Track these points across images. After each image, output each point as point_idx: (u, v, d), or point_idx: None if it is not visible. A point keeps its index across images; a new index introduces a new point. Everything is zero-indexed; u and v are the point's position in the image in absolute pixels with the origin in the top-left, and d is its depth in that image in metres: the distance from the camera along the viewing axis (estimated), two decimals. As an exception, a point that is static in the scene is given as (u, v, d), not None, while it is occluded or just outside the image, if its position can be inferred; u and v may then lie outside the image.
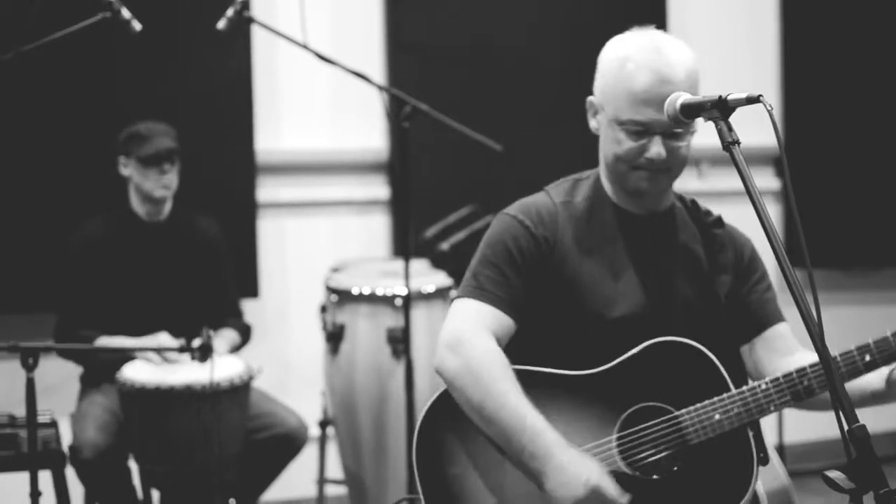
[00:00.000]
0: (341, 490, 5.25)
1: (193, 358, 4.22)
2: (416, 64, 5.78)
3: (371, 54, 5.76)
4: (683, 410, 2.76)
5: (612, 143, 2.89)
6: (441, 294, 4.83)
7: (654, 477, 2.76)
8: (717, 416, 2.73)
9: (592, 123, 2.98)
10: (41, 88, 5.15)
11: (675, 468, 2.76)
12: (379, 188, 5.85)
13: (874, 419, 2.85)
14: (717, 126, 2.56)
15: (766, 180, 6.42)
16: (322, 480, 5.17)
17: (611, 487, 2.69)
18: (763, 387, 2.73)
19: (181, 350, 4.27)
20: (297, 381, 5.58)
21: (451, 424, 2.85)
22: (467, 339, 2.82)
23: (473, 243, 4.67)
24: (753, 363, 3.00)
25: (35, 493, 3.87)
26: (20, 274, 5.15)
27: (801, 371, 2.72)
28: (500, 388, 2.75)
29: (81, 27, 4.24)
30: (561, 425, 2.75)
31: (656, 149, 2.82)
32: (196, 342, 4.20)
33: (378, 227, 5.85)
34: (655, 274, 2.94)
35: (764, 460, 2.78)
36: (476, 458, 2.83)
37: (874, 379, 2.79)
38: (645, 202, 2.97)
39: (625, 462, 2.77)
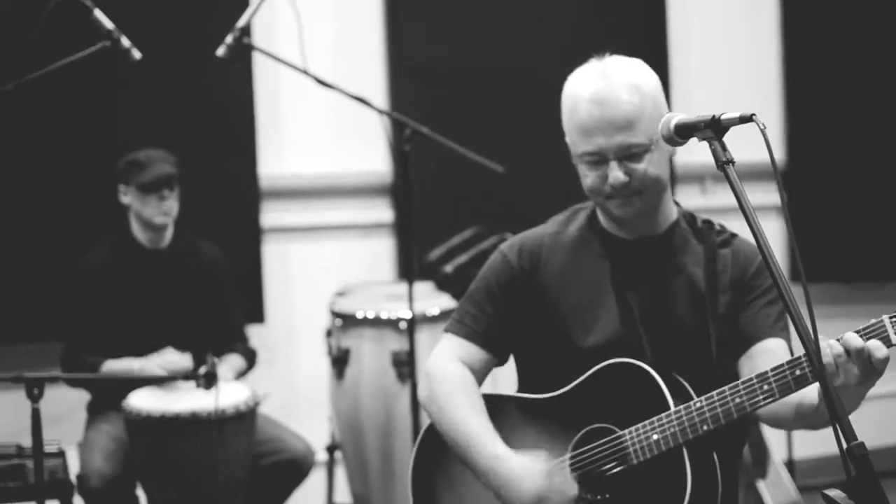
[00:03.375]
0: (349, 515, 5.25)
1: (199, 385, 4.22)
2: (418, 87, 5.79)
3: (372, 78, 5.78)
4: (626, 431, 2.80)
5: (582, 179, 2.93)
6: (445, 316, 4.80)
7: (601, 497, 2.82)
8: (654, 437, 2.75)
9: (573, 161, 3.00)
10: (42, 118, 5.17)
11: (620, 488, 2.81)
12: (382, 211, 5.85)
13: (875, 434, 2.85)
14: (710, 146, 2.57)
15: (772, 196, 6.41)
16: (331, 506, 5.17)
17: (563, 488, 2.79)
18: (698, 405, 2.72)
19: (186, 377, 4.27)
20: (304, 405, 5.58)
21: (438, 454, 3.03)
22: (435, 368, 3.03)
23: (477, 265, 4.67)
24: None
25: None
26: (24, 304, 5.16)
27: (734, 388, 2.69)
28: (453, 406, 2.94)
29: (82, 56, 4.27)
30: (524, 447, 2.87)
31: (614, 174, 2.84)
32: (201, 369, 4.20)
33: (382, 250, 5.86)
34: (644, 299, 2.95)
35: (760, 463, 2.79)
36: (459, 486, 2.99)
37: (804, 393, 2.70)
38: (632, 229, 2.98)
39: (577, 482, 2.84)
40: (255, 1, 4.56)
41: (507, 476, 2.81)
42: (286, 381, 5.63)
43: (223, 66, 4.71)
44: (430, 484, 3.03)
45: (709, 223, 3.07)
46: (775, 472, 4.75)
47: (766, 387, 2.64)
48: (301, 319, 5.72)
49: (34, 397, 3.85)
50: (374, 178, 5.84)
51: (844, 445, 2.20)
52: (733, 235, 3.05)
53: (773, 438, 4.82)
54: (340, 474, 5.24)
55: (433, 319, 4.75)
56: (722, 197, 6.08)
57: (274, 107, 5.69)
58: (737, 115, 2.57)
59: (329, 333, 5.04)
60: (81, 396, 4.95)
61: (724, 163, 2.55)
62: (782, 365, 2.65)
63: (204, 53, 4.71)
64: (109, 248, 4.87)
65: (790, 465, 5.77)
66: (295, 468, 4.70)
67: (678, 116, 2.67)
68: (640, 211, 2.92)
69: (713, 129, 2.58)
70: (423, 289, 5.04)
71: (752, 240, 2.51)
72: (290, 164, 5.75)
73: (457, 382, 2.97)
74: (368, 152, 5.83)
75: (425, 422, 4.39)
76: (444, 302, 4.87)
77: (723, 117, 2.57)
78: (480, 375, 3.04)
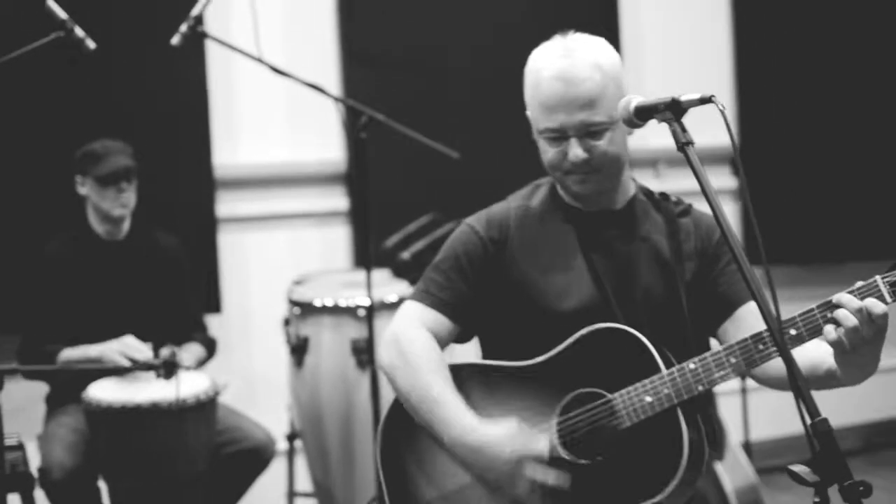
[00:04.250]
0: (311, 503, 5.24)
1: (159, 375, 4.22)
2: (371, 74, 5.80)
3: (326, 66, 5.78)
4: (616, 394, 2.80)
5: (542, 154, 2.98)
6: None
7: (593, 461, 2.81)
8: (647, 399, 2.76)
9: (534, 136, 3.04)
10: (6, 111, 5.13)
11: (611, 451, 2.80)
12: (338, 199, 5.85)
13: (838, 413, 2.89)
14: (670, 127, 2.61)
15: (723, 179, 6.47)
16: (292, 493, 5.17)
17: (533, 448, 2.77)
18: (692, 366, 2.74)
19: (147, 367, 4.26)
20: (263, 395, 5.58)
21: (406, 429, 2.96)
22: (402, 333, 2.99)
23: (434, 251, 4.68)
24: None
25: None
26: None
27: (729, 348, 2.72)
28: (421, 375, 2.89)
29: (35, 47, 4.24)
30: (505, 415, 2.84)
31: (574, 151, 2.89)
32: (161, 358, 4.20)
33: (338, 238, 5.86)
34: (612, 268, 2.98)
35: (717, 446, 2.80)
36: (428, 459, 2.93)
37: (824, 357, 2.74)
38: (591, 204, 3.02)
39: (564, 448, 2.82)
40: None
41: (478, 445, 2.78)
42: (243, 370, 5.62)
43: (176, 55, 4.69)
44: (399, 460, 2.97)
45: (664, 195, 3.12)
46: (732, 454, 4.82)
47: (760, 346, 2.69)
48: (257, 309, 5.72)
49: (-7, 388, 3.84)
50: (329, 166, 5.84)
51: (808, 421, 2.23)
52: (690, 206, 3.10)
53: (730, 420, 4.89)
54: (300, 463, 5.24)
55: (391, 306, 4.76)
56: (675, 181, 6.13)
57: (228, 96, 5.68)
58: (696, 96, 2.61)
59: (287, 322, 5.05)
60: (39, 389, 4.94)
61: (684, 144, 2.58)
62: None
63: (157, 42, 4.69)
64: (67, 240, 4.84)
65: (747, 446, 5.83)
66: (256, 457, 4.69)
67: (637, 99, 2.71)
68: (597, 189, 2.96)
69: (672, 111, 2.63)
70: (381, 276, 5.05)
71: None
72: (245, 154, 5.73)
73: (423, 350, 2.94)
74: (323, 141, 5.83)
75: (386, 408, 4.44)
76: (402, 289, 4.88)
77: (682, 98, 2.61)
78: (444, 345, 3.01)
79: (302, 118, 5.79)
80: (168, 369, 4.19)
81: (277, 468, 5.10)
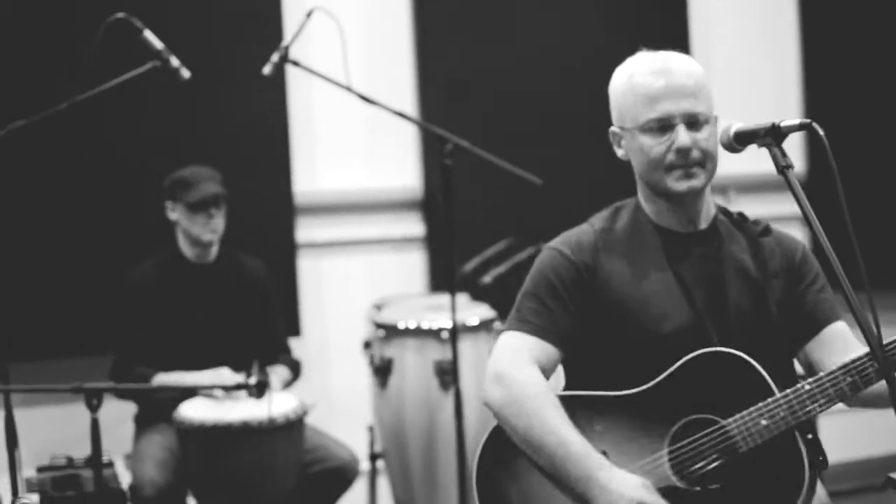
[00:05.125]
0: (392, 522, 5.33)
1: (250, 394, 4.31)
2: (448, 99, 5.90)
3: (403, 92, 5.87)
4: (730, 419, 2.79)
5: (642, 155, 2.97)
6: (485, 326, 4.93)
7: (709, 488, 2.80)
8: (763, 422, 2.76)
9: (620, 153, 3.07)
10: (90, 137, 5.27)
11: (728, 478, 2.79)
12: (414, 225, 5.96)
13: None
14: (770, 151, 2.71)
15: (789, 205, 6.49)
16: (374, 513, 5.26)
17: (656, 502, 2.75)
18: (807, 387, 2.75)
19: (238, 387, 4.36)
20: (341, 416, 5.67)
21: (506, 458, 2.94)
22: (509, 370, 2.93)
23: (515, 275, 4.79)
24: (811, 365, 3.00)
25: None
26: (74, 319, 5.26)
27: (845, 367, 2.73)
28: (542, 415, 2.84)
29: (133, 76, 4.38)
30: (613, 446, 2.84)
31: (682, 137, 2.90)
32: (252, 379, 4.30)
33: (414, 263, 5.97)
34: (702, 287, 2.98)
35: (823, 464, 2.84)
36: (532, 492, 2.90)
37: None
38: (687, 208, 3.01)
39: (677, 476, 2.82)
40: (292, 19, 4.66)
41: (605, 487, 2.74)
42: (321, 392, 5.72)
43: (258, 83, 4.82)
44: (497, 490, 2.94)
45: (742, 215, 3.14)
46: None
47: (877, 364, 2.69)
48: (335, 332, 5.82)
49: (93, 407, 3.96)
50: (406, 192, 5.96)
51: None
52: (768, 225, 3.13)
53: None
54: (382, 483, 5.33)
55: (473, 329, 4.86)
56: (744, 207, 6.16)
57: (307, 123, 5.80)
58: (796, 121, 2.72)
59: (367, 345, 5.15)
60: (123, 408, 5.05)
61: (784, 168, 2.67)
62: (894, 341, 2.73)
63: (239, 72, 4.82)
64: (157, 264, 4.97)
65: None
66: (341, 476, 4.78)
67: (738, 124, 2.80)
68: (697, 186, 2.95)
69: (773, 136, 2.72)
70: (460, 300, 5.14)
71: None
72: (323, 181, 5.86)
73: (539, 387, 2.89)
74: (399, 167, 5.94)
75: (469, 428, 4.54)
76: (483, 312, 4.97)
77: (782, 124, 2.72)
78: (548, 374, 2.98)
79: (379, 145, 5.90)
80: (260, 389, 4.28)
81: (358, 488, 5.18)
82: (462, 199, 5.57)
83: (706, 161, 2.94)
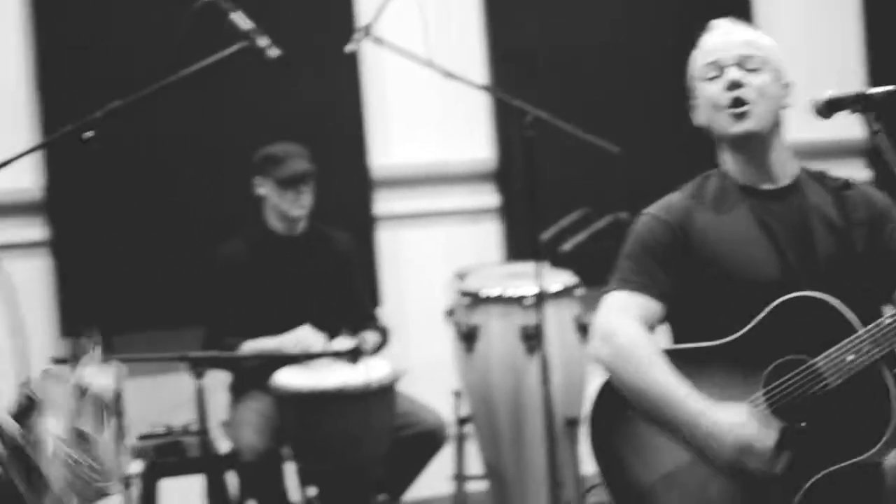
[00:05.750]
0: (478, 486, 5.45)
1: (346, 360, 4.46)
2: (516, 70, 6.01)
3: (473, 64, 5.97)
4: (818, 357, 2.96)
5: (705, 104, 3.23)
6: (567, 292, 5.04)
7: (802, 425, 2.97)
8: (849, 357, 2.93)
9: (696, 118, 3.30)
10: (180, 115, 5.45)
11: (820, 414, 2.96)
12: (488, 196, 6.10)
13: None
14: (863, 117, 2.85)
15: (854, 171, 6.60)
16: (462, 477, 5.34)
17: (762, 438, 2.93)
18: (888, 321, 2.92)
19: (335, 355, 4.50)
20: (421, 383, 5.79)
21: (617, 411, 3.12)
22: (615, 327, 3.12)
23: (594, 243, 4.91)
24: None
25: (215, 495, 4.15)
26: (167, 292, 5.44)
27: None
28: (647, 367, 3.03)
29: (223, 56, 4.51)
30: (714, 393, 3.01)
31: (732, 72, 3.15)
32: (348, 345, 4.45)
33: (488, 234, 6.10)
34: (790, 238, 3.16)
35: None
36: (644, 441, 3.09)
37: None
38: (758, 158, 3.20)
39: (774, 416, 2.99)
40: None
41: (711, 430, 2.93)
42: (402, 360, 5.84)
43: (332, 60, 4.97)
44: (612, 446, 3.12)
45: (822, 172, 3.33)
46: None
47: None
48: (414, 302, 5.97)
49: (198, 375, 4.12)
50: (479, 164, 6.09)
51: None
52: (848, 180, 3.30)
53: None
54: (469, 447, 5.46)
55: (556, 295, 4.98)
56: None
57: (381, 99, 5.94)
58: (886, 88, 2.88)
59: (450, 313, 5.28)
60: (215, 378, 5.19)
61: (875, 131, 2.82)
62: None
63: (314, 49, 4.94)
64: (247, 238, 5.12)
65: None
66: (431, 440, 4.92)
67: (830, 91, 2.95)
68: (751, 129, 3.15)
69: (862, 103, 2.87)
70: (540, 268, 5.25)
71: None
72: (398, 154, 6.00)
73: (643, 340, 3.08)
74: (472, 140, 6.08)
75: (556, 392, 4.67)
76: (565, 279, 5.08)
77: (871, 91, 2.89)
78: (652, 329, 3.17)
79: (451, 118, 6.04)
80: (355, 355, 4.43)
81: (445, 452, 5.30)
82: (536, 169, 5.69)
83: (755, 103, 3.15)
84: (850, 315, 2.97)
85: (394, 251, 5.98)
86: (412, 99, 5.98)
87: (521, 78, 5.97)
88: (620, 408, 3.10)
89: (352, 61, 5.76)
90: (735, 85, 3.14)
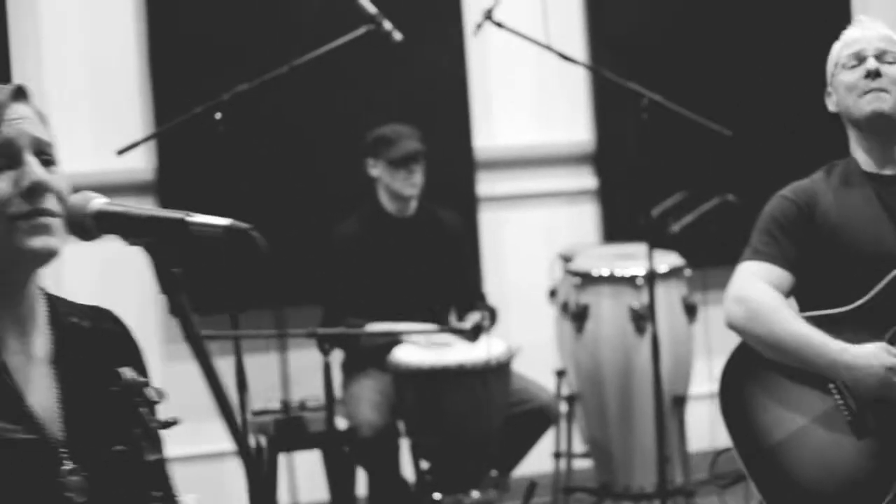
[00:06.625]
0: (583, 463, 5.53)
1: (466, 338, 4.57)
2: (617, 54, 6.10)
3: (574, 47, 6.01)
4: None
5: (842, 88, 3.48)
6: (675, 273, 5.14)
7: None
8: None
9: (831, 105, 3.57)
10: (297, 100, 5.60)
11: None
12: (586, 178, 6.19)
13: None
14: None
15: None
16: (570, 454, 5.43)
17: None
18: None
19: (456, 332, 4.61)
20: (524, 362, 5.89)
21: (750, 372, 3.42)
22: (747, 291, 3.43)
23: (702, 224, 4.99)
24: None
25: (335, 470, 4.28)
26: (286, 271, 5.55)
27: None
28: (781, 321, 3.33)
29: (348, 40, 4.63)
30: None
31: (871, 62, 3.42)
32: (468, 323, 4.55)
33: (586, 216, 6.20)
34: None
35: None
36: (778, 396, 3.37)
37: None
38: (882, 141, 3.46)
39: None
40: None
41: (854, 362, 3.25)
42: (504, 339, 5.94)
43: (437, 43, 5.06)
44: (742, 408, 3.41)
45: None
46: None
47: None
48: (515, 281, 6.08)
49: (325, 351, 4.24)
50: (578, 146, 6.19)
51: None
52: None
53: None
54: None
55: (664, 276, 5.07)
56: None
57: (484, 82, 6.05)
58: None
59: (553, 293, 5.37)
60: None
61: None
62: None
63: (422, 32, 5.05)
64: (360, 218, 5.24)
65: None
66: (542, 417, 5.01)
67: None
68: (881, 111, 3.40)
69: None
70: (642, 249, 5.32)
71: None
72: (501, 136, 6.11)
73: (774, 299, 3.37)
74: (571, 123, 6.17)
75: (664, 371, 4.76)
76: (672, 260, 5.17)
77: None
78: (782, 294, 3.44)
79: (552, 102, 6.13)
80: (475, 332, 4.54)
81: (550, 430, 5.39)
82: (634, 152, 5.77)
83: (893, 91, 3.42)
84: None
85: (495, 232, 6.08)
86: (514, 82, 6.08)
87: (620, 60, 6.02)
88: (750, 372, 3.41)
89: (458, 45, 5.87)
90: (875, 73, 3.41)
